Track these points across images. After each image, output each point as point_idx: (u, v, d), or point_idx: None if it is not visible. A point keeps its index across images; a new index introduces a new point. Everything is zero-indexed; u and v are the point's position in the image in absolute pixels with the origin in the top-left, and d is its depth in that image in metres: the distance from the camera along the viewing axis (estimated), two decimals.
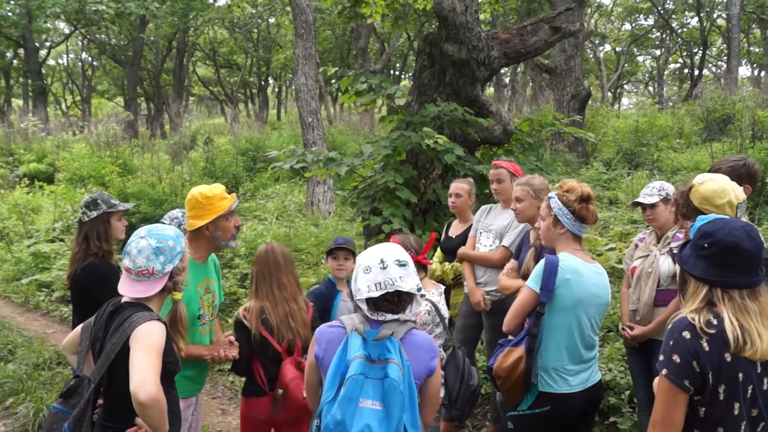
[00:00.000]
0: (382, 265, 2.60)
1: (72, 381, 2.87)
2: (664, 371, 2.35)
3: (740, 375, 2.28)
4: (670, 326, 2.42)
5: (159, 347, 2.64)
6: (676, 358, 2.31)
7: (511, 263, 4.42)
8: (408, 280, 2.61)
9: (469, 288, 4.96)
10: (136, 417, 2.67)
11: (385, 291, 2.56)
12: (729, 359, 2.28)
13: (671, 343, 2.35)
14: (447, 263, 5.31)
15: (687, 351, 2.29)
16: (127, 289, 2.79)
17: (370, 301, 2.60)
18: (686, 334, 2.32)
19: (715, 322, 2.30)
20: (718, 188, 3.19)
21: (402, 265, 2.63)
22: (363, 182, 6.87)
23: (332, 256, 4.44)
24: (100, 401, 2.79)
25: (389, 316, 2.61)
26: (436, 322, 3.79)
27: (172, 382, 2.89)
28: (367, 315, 2.62)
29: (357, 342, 2.54)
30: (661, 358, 2.38)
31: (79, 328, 2.98)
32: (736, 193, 3.19)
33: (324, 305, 4.33)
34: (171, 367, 2.77)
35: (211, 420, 5.80)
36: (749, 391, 2.31)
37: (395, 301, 2.61)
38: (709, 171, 3.97)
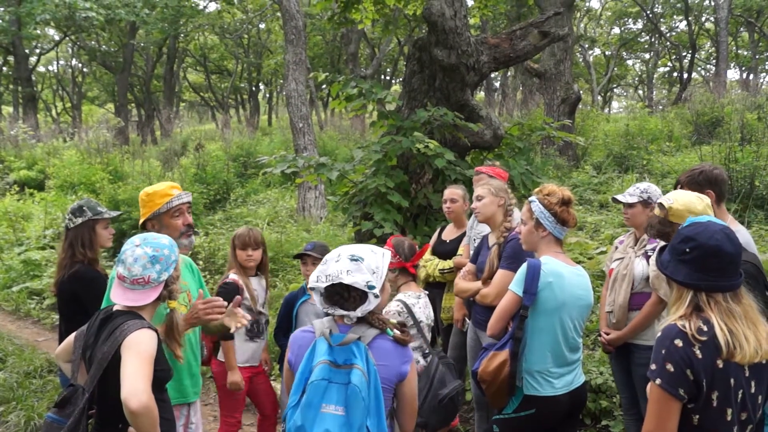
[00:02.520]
0: (337, 258, 2.61)
1: (65, 391, 2.82)
2: (657, 380, 2.32)
3: (732, 380, 2.28)
4: (659, 334, 2.40)
5: (150, 355, 2.63)
6: (669, 366, 2.29)
7: (469, 266, 4.47)
8: (355, 274, 2.56)
9: (456, 302, 4.99)
10: (129, 427, 2.67)
11: (329, 283, 2.55)
12: (721, 365, 2.27)
13: (663, 351, 2.32)
14: (435, 260, 5.30)
15: (680, 359, 2.27)
16: (121, 297, 2.78)
17: (324, 293, 2.60)
18: (678, 342, 2.29)
19: (705, 328, 2.29)
20: (692, 197, 3.27)
21: (355, 259, 2.60)
22: (354, 187, 6.87)
23: (302, 261, 4.67)
24: (92, 410, 2.78)
25: (339, 312, 2.59)
26: (410, 324, 3.77)
27: (163, 391, 2.88)
28: (324, 309, 2.62)
29: (323, 347, 2.53)
30: (653, 367, 2.35)
31: (72, 336, 2.96)
32: (703, 198, 3.29)
33: (288, 307, 4.71)
34: (162, 375, 2.76)
35: (205, 427, 5.79)
36: (739, 396, 2.31)
37: (344, 296, 2.59)
38: (674, 187, 4.01)
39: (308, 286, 2.64)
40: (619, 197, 4.26)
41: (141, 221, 3.66)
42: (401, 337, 2.68)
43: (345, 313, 2.59)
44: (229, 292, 4.38)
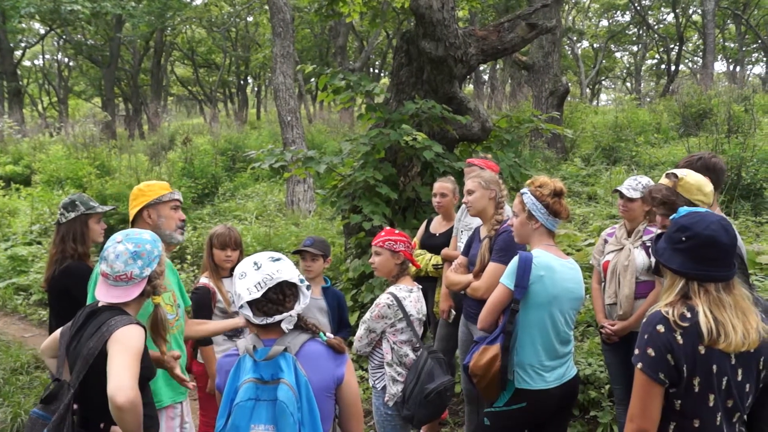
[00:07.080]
0: (256, 266, 2.45)
1: (52, 386, 2.79)
2: (639, 365, 2.37)
3: (714, 367, 2.30)
4: (644, 320, 2.44)
5: (138, 351, 2.60)
6: (650, 351, 2.33)
7: (460, 259, 4.47)
8: (285, 271, 2.45)
9: (441, 293, 4.97)
10: (112, 426, 2.65)
11: (267, 287, 2.40)
12: (703, 352, 2.29)
13: (645, 336, 2.37)
14: (427, 254, 5.28)
15: (661, 344, 2.31)
16: (104, 295, 2.76)
17: (254, 306, 2.43)
18: (660, 328, 2.33)
19: (689, 315, 2.32)
20: (703, 179, 3.33)
21: (276, 260, 2.49)
22: (342, 180, 6.86)
23: (301, 257, 4.49)
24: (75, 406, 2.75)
25: (277, 317, 2.43)
26: (399, 317, 3.74)
27: (146, 388, 2.85)
28: (256, 324, 2.45)
29: (248, 364, 2.39)
30: (637, 351, 2.39)
31: (57, 332, 2.93)
32: (710, 184, 3.34)
33: None
34: (145, 372, 2.72)
35: (193, 422, 5.76)
36: (724, 383, 2.33)
37: (280, 299, 2.44)
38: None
39: (239, 304, 2.45)
40: (623, 190, 4.28)
41: (139, 208, 3.57)
42: (336, 344, 2.55)
43: (286, 315, 2.44)
44: (201, 297, 4.29)
